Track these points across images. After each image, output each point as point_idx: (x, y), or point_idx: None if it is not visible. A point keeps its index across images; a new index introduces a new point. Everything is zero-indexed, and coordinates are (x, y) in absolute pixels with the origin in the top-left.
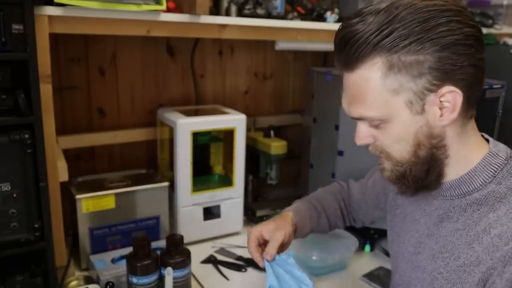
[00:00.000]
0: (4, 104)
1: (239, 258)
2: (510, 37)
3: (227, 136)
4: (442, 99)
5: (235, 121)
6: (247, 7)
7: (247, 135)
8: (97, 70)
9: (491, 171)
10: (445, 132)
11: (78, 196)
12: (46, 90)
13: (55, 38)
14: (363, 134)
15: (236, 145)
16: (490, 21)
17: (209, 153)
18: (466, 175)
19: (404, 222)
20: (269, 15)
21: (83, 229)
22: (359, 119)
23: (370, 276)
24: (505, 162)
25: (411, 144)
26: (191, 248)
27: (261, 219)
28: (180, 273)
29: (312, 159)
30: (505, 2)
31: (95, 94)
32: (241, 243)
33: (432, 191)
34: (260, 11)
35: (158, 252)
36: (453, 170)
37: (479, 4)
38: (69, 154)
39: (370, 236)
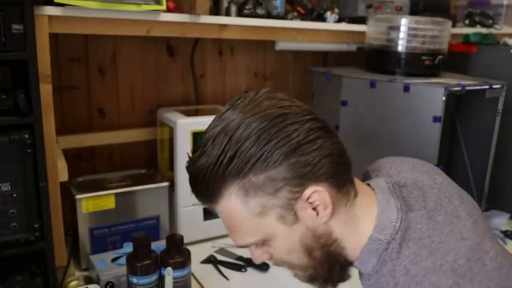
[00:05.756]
0: (4, 104)
1: (239, 258)
2: (510, 37)
3: None
4: (310, 200)
5: None
6: (247, 7)
7: None
8: (97, 70)
9: (375, 257)
10: (330, 227)
11: (78, 196)
12: (46, 90)
13: (55, 38)
14: (257, 255)
15: None
16: (490, 21)
17: None
18: (358, 262)
19: None
20: (269, 15)
21: (83, 229)
22: (243, 247)
23: None
24: (390, 239)
25: (302, 251)
26: (191, 248)
27: None
28: (180, 273)
29: None
30: (505, 2)
31: (95, 94)
32: None
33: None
34: (260, 11)
35: (158, 252)
36: (353, 253)
37: (479, 4)
38: (69, 154)
39: None
